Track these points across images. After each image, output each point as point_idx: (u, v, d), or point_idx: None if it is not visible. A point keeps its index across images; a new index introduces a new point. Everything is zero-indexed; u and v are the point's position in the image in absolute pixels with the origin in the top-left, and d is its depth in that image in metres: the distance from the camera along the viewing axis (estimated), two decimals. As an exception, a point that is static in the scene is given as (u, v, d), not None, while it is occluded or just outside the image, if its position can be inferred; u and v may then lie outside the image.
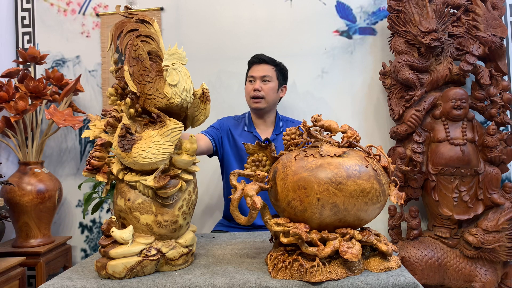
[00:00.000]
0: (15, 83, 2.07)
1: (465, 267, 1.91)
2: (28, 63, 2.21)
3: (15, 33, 2.40)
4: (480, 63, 2.02)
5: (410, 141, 2.02)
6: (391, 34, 2.10)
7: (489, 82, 1.94)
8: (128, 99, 1.13)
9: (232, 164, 1.93)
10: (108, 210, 2.36)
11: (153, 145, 1.08)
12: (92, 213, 1.62)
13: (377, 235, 1.13)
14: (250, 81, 1.93)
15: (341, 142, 1.13)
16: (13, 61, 2.23)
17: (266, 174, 1.10)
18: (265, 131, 1.97)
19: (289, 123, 2.00)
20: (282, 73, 1.98)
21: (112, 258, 1.07)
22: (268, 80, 1.91)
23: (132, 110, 1.13)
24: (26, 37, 2.39)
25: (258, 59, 1.94)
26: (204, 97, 1.23)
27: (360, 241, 1.07)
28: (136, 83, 1.15)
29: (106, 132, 1.19)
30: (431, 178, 1.95)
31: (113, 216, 1.14)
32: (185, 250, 1.16)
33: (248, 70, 1.98)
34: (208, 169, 2.28)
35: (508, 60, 2.17)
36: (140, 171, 1.12)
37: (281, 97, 2.02)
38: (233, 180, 1.11)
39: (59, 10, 2.39)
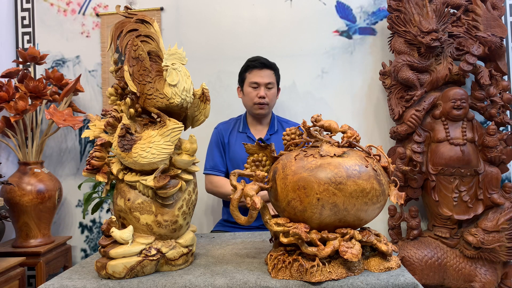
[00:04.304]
0: (15, 83, 2.07)
1: (465, 267, 1.91)
2: (28, 63, 2.21)
3: (15, 33, 2.40)
4: (480, 63, 2.02)
5: (410, 141, 2.02)
6: (391, 34, 2.10)
7: (489, 82, 1.94)
8: (128, 99, 1.14)
9: (228, 168, 1.96)
10: (108, 210, 2.36)
11: (153, 145, 1.08)
12: (92, 213, 1.62)
13: (377, 235, 1.13)
14: (254, 87, 1.89)
15: (341, 142, 1.13)
16: (13, 61, 2.23)
17: (266, 174, 1.10)
18: (260, 132, 1.98)
19: (284, 124, 2.01)
20: (279, 76, 1.99)
21: (112, 258, 1.07)
22: (271, 86, 1.91)
23: (132, 110, 1.13)
24: (26, 37, 2.39)
25: (260, 64, 1.90)
26: (204, 97, 1.23)
27: (360, 241, 1.07)
28: (136, 83, 1.15)
29: (106, 132, 1.19)
30: (431, 178, 1.95)
31: (113, 216, 1.14)
32: (185, 250, 1.16)
33: (245, 72, 1.93)
34: (208, 169, 2.28)
35: (508, 60, 2.17)
36: (140, 171, 1.12)
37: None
38: (233, 180, 1.11)
39: (59, 10, 2.39)
